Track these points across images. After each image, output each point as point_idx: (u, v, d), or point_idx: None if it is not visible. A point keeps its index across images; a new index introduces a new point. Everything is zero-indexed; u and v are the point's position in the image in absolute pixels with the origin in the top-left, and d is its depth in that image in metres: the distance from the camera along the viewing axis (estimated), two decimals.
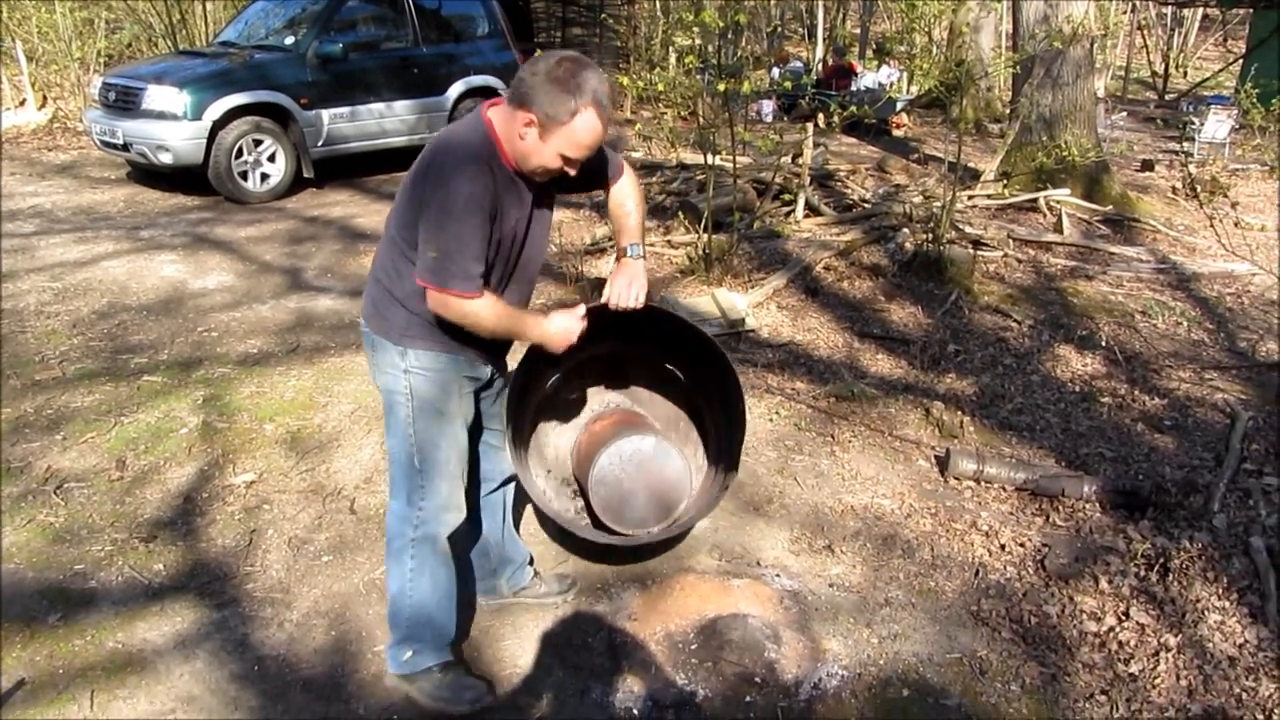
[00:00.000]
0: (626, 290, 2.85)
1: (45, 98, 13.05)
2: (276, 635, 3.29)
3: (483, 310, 2.52)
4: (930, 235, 7.32)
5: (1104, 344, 6.19)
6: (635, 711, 3.00)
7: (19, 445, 4.44)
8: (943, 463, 4.50)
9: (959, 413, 4.98)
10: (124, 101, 8.75)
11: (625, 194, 2.92)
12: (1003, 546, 3.92)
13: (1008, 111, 12.61)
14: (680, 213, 7.89)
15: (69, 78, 12.63)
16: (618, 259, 2.97)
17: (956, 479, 4.41)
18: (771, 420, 4.93)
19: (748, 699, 3.09)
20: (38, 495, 4.05)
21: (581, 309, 2.84)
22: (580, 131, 2.41)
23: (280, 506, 4.02)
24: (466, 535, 3.13)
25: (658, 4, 18.66)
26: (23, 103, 13.12)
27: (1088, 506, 4.21)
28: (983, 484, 4.38)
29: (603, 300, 2.89)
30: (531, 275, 2.85)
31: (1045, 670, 3.25)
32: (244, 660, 3.16)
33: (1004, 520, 4.11)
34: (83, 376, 5.16)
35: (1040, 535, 4.00)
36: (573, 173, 2.55)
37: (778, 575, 3.69)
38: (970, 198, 9.42)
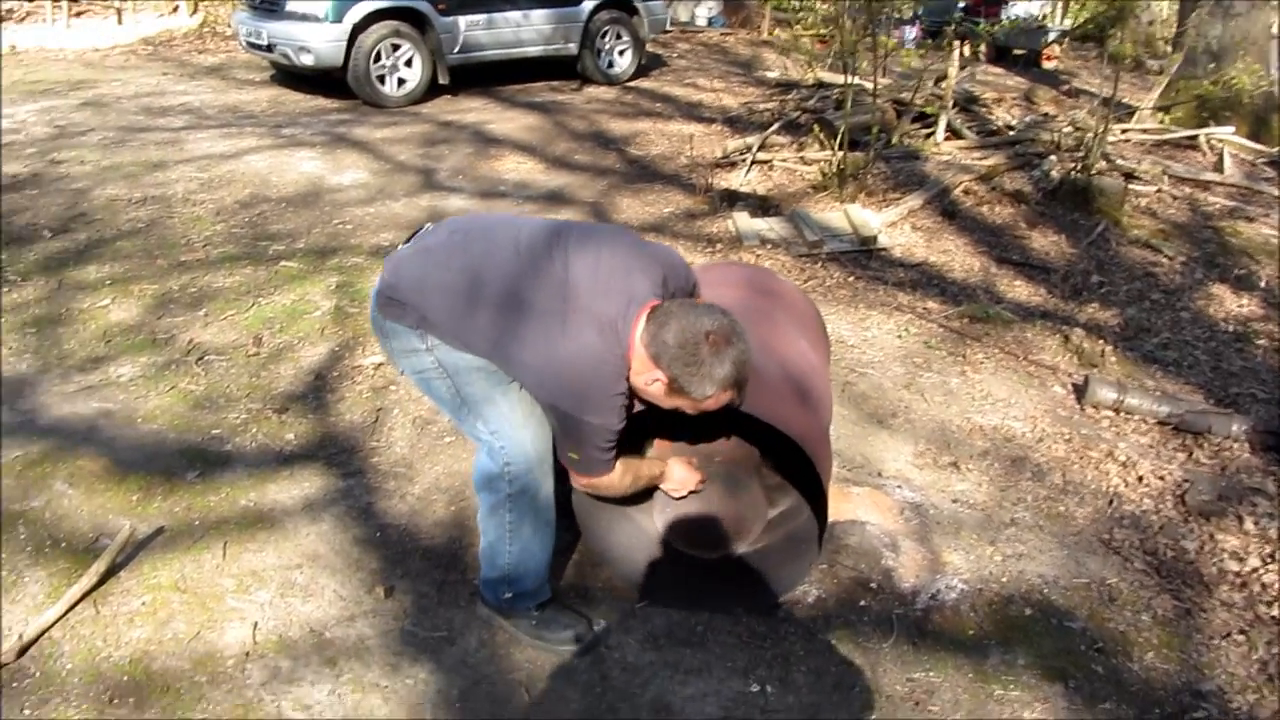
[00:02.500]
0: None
1: (197, 4, 13.43)
2: (398, 506, 3.37)
3: (614, 479, 2.53)
4: (1079, 164, 6.95)
5: (1263, 285, 5.81)
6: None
7: (164, 319, 4.63)
8: (1080, 390, 4.31)
9: (1100, 341, 4.75)
10: (269, 3, 8.93)
11: None
12: (1140, 478, 3.74)
13: (1169, 48, 11.86)
14: (815, 128, 7.67)
15: None
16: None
17: (1094, 408, 4.21)
18: (900, 337, 4.79)
19: (862, 603, 3.04)
20: (180, 365, 4.21)
21: (696, 467, 2.96)
22: (707, 405, 2.32)
23: (406, 388, 4.10)
24: None
25: None
26: (175, 9, 13.55)
27: (1235, 446, 3.97)
28: (1122, 415, 4.17)
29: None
30: None
31: (1179, 604, 3.10)
32: (367, 526, 3.25)
33: (1143, 453, 3.92)
34: (225, 259, 5.33)
35: (1182, 470, 3.80)
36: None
37: (899, 487, 3.60)
38: (1124, 131, 8.90)
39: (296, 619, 2.82)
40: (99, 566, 2.82)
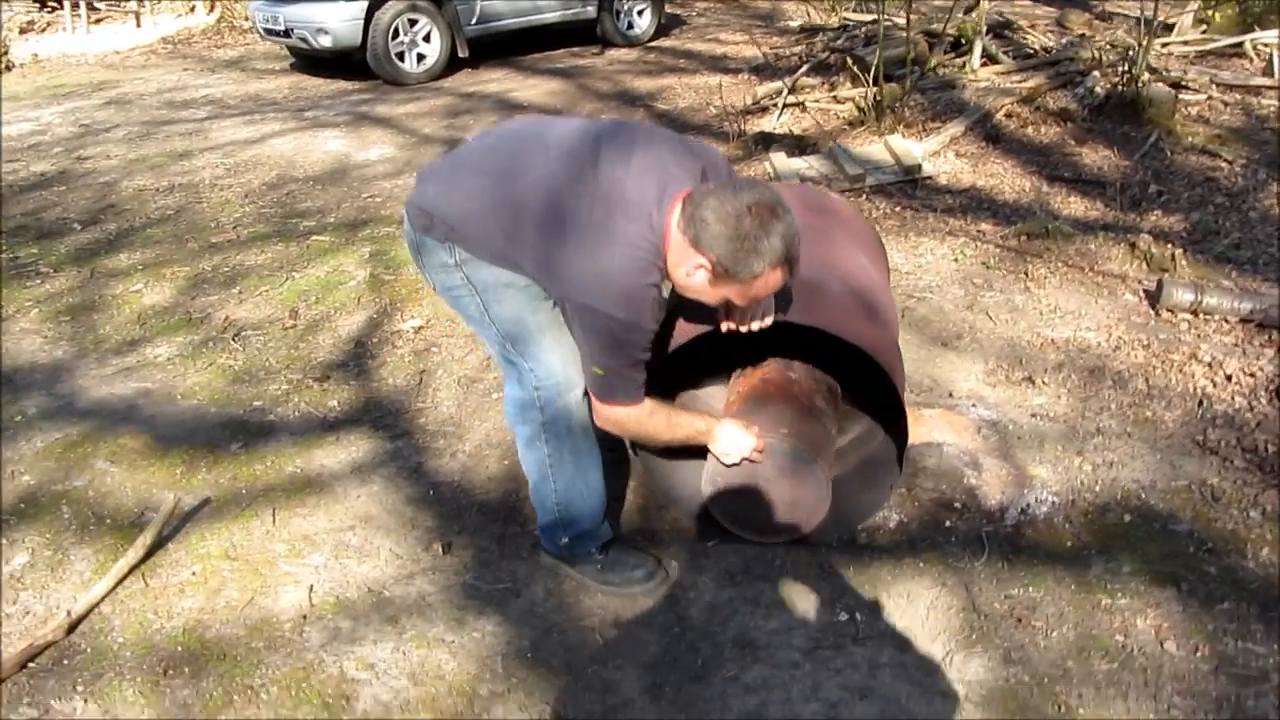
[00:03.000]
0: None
1: (213, 2, 13.38)
2: (449, 464, 3.23)
3: (643, 416, 2.32)
4: (1124, 76, 6.64)
5: None
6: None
7: (198, 299, 4.52)
8: (1153, 295, 4.07)
9: (1168, 246, 4.49)
10: None
11: None
12: (1229, 377, 3.51)
13: None
14: (847, 63, 7.42)
15: None
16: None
17: (1170, 311, 3.97)
18: (956, 260, 4.57)
19: (947, 524, 2.86)
20: (217, 342, 4.11)
21: (753, 432, 2.55)
22: (758, 288, 2.10)
23: (448, 349, 3.96)
24: None
25: None
26: (193, 9, 13.51)
27: None
28: (1201, 316, 3.93)
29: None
30: None
31: None
32: (419, 485, 3.12)
33: (1228, 352, 3.68)
34: (255, 238, 5.22)
35: (1272, 365, 3.56)
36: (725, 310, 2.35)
37: (973, 405, 3.41)
38: (1165, 45, 8.54)
39: (353, 580, 2.69)
40: (145, 539, 2.71)
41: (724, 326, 2.42)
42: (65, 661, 2.42)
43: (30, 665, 2.40)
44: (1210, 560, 2.67)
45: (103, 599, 2.58)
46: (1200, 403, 3.39)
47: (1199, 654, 2.39)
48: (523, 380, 2.39)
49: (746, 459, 2.55)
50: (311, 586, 2.65)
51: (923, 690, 2.31)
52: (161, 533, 2.77)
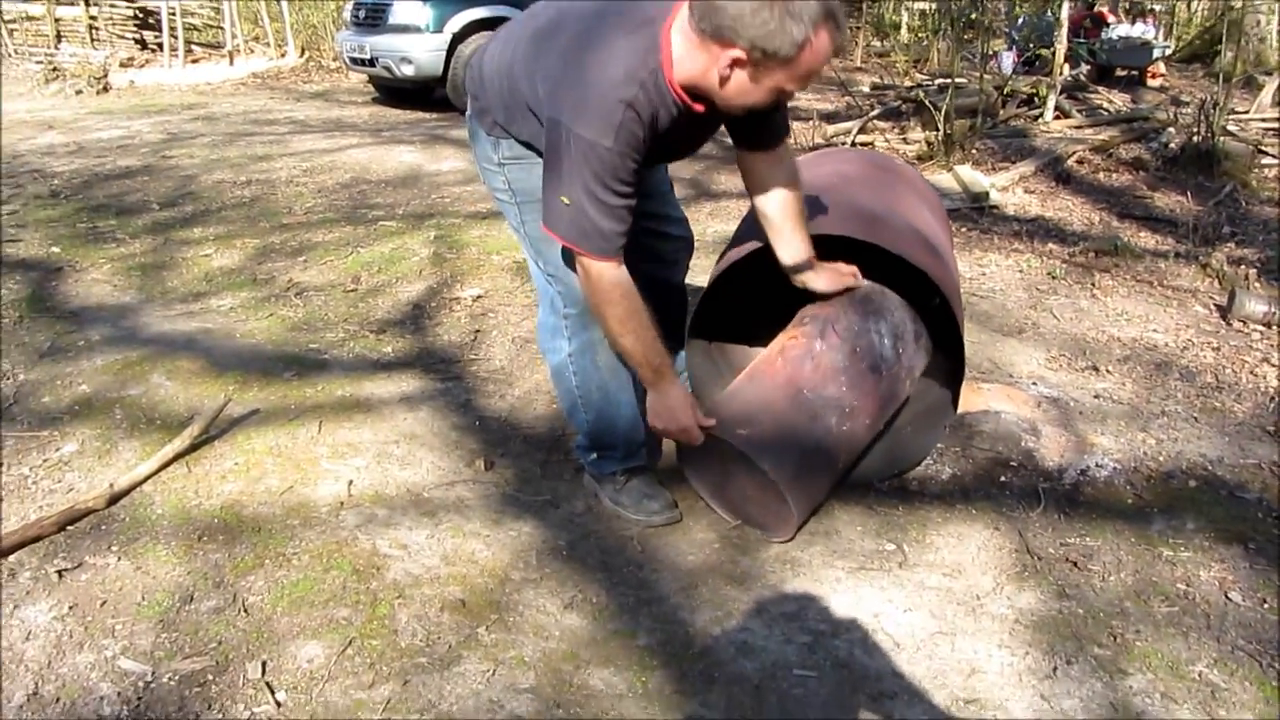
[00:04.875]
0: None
1: (304, 49, 13.90)
2: (498, 404, 3.22)
3: (610, 284, 2.02)
4: (1202, 129, 6.59)
5: None
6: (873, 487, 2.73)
7: (264, 264, 4.61)
8: (1224, 308, 3.97)
9: (1242, 266, 4.40)
10: (372, 18, 9.14)
11: (784, 189, 2.29)
12: None
13: None
14: (918, 110, 7.46)
15: (325, 16, 13.43)
16: (802, 270, 2.41)
17: (1242, 322, 3.87)
18: (1021, 272, 4.51)
19: (1002, 479, 2.77)
20: (280, 299, 4.17)
21: (687, 420, 2.26)
22: (808, 61, 1.78)
23: (504, 315, 3.98)
24: None
25: None
26: (284, 54, 14.04)
27: None
28: (1273, 328, 3.82)
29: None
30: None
31: None
32: (466, 416, 3.10)
33: None
34: (324, 222, 5.33)
35: None
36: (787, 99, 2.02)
37: (1034, 384, 3.32)
38: (1241, 122, 8.48)
39: (393, 481, 2.67)
40: (192, 430, 2.72)
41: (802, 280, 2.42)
42: (103, 527, 2.41)
43: (69, 529, 2.40)
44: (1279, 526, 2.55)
45: (146, 479, 2.59)
46: (1272, 399, 3.27)
47: (1266, 605, 2.26)
48: (553, 304, 2.36)
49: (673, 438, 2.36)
50: (351, 481, 2.63)
51: (969, 610, 2.21)
52: (208, 428, 2.79)
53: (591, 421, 2.50)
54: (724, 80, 1.84)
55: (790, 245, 2.36)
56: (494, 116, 2.18)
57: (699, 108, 1.97)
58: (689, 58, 1.85)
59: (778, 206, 2.32)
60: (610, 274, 2.02)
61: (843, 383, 2.42)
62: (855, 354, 2.45)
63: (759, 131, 2.24)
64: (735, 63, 1.80)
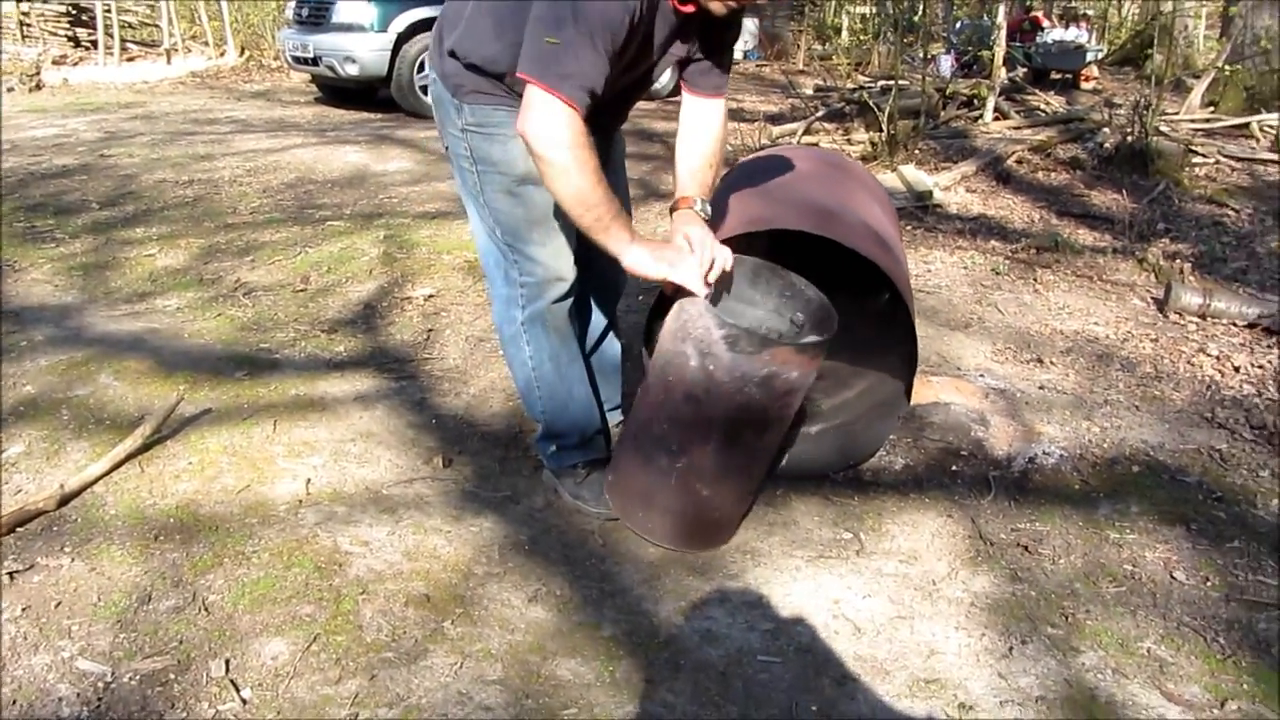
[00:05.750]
0: (718, 247, 2.20)
1: (244, 48, 13.68)
2: (454, 402, 3.21)
3: (575, 130, 1.95)
4: (1135, 129, 6.77)
5: None
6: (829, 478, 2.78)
7: (211, 264, 4.54)
8: (1161, 301, 4.09)
9: (1177, 261, 4.53)
10: (315, 16, 9.03)
11: (714, 130, 2.34)
12: (1237, 369, 3.51)
13: (1210, 58, 11.73)
14: (861, 112, 7.57)
15: (265, 15, 13.25)
16: (677, 208, 2.27)
17: (1178, 314, 3.99)
18: (966, 268, 4.60)
19: (954, 468, 2.83)
20: (228, 299, 4.11)
21: (700, 258, 2.14)
22: None
23: (458, 314, 3.97)
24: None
25: None
26: (223, 53, 13.82)
27: None
28: (1208, 319, 3.94)
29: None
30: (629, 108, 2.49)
31: None
32: (423, 414, 3.09)
33: (1235, 349, 3.69)
34: (271, 222, 5.26)
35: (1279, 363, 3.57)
36: (734, 7, 2.06)
37: (981, 376, 3.40)
38: (1172, 123, 8.73)
39: (351, 479, 2.65)
40: (145, 430, 2.68)
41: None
42: (55, 528, 2.37)
43: (18, 530, 2.35)
44: (1219, 507, 2.64)
45: (97, 479, 2.54)
46: (1209, 387, 3.39)
47: (1209, 583, 2.35)
48: (508, 275, 2.38)
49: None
50: (309, 480, 2.61)
51: (926, 595, 2.26)
52: (160, 428, 2.75)
53: (545, 400, 2.51)
54: None
55: (688, 183, 2.33)
56: (456, 79, 2.20)
57: (686, 8, 2.06)
58: None
59: (694, 147, 2.35)
60: (573, 117, 1.95)
61: (663, 419, 2.26)
62: (669, 384, 2.21)
63: (707, 72, 2.30)
64: None
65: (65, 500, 2.45)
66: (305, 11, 9.18)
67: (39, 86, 10.47)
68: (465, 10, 2.19)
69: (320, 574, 2.21)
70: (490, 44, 2.13)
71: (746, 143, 7.51)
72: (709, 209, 2.29)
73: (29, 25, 12.80)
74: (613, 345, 2.81)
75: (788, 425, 2.34)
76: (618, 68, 2.03)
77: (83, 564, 2.24)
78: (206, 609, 2.11)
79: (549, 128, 1.94)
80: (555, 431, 2.57)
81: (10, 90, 10.18)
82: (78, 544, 2.31)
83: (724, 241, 2.24)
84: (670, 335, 2.21)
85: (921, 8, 12.18)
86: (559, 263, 2.35)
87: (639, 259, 2.10)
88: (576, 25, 1.90)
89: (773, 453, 2.39)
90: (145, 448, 2.70)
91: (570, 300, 2.43)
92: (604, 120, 2.27)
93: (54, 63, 12.28)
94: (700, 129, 2.34)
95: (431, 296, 4.15)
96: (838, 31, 18.96)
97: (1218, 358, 3.59)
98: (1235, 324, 3.90)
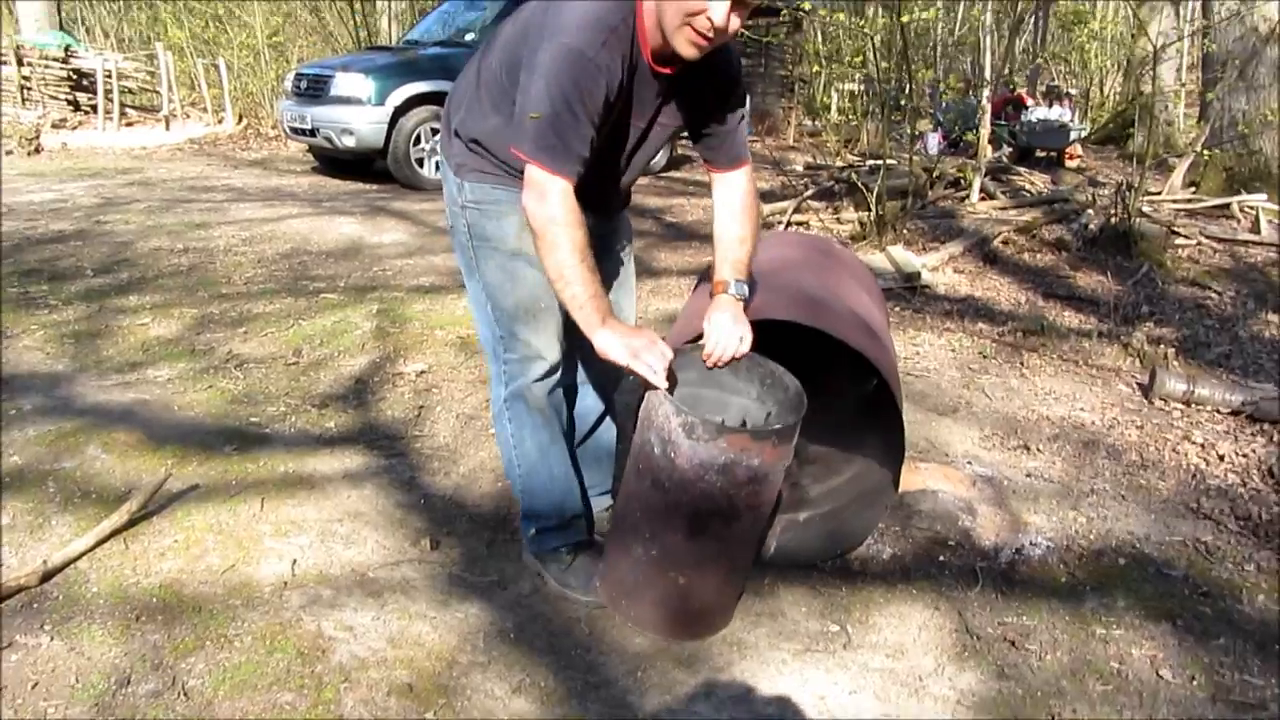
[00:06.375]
0: (731, 334, 2.26)
1: (242, 116, 13.88)
2: (443, 481, 3.21)
3: (562, 200, 2.02)
4: (1119, 210, 6.89)
5: None
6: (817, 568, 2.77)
7: (203, 335, 4.56)
8: (1146, 387, 4.13)
9: (1162, 346, 4.58)
10: (314, 89, 9.18)
11: (740, 205, 2.36)
12: (1221, 457, 3.54)
13: (1190, 138, 11.99)
14: (850, 191, 7.68)
15: (264, 84, 13.42)
16: (713, 294, 2.33)
17: (1163, 400, 4.02)
18: (953, 351, 4.64)
19: (941, 559, 2.83)
20: (219, 370, 4.12)
21: (664, 350, 2.14)
22: None
23: (449, 391, 3.98)
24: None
25: (820, 45, 18.75)
26: (221, 120, 14.01)
27: None
28: (1193, 406, 3.98)
29: (700, 345, 2.30)
30: (624, 181, 2.48)
31: None
32: (411, 494, 3.09)
33: (1220, 437, 3.71)
34: (265, 293, 5.30)
35: (1265, 450, 3.59)
36: (704, 47, 2.02)
37: (969, 463, 3.42)
38: (1154, 203, 8.88)
39: (338, 560, 2.64)
40: (130, 506, 2.67)
41: (711, 353, 2.28)
42: (35, 605, 2.35)
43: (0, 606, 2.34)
44: (1205, 602, 2.64)
45: (80, 555, 2.53)
46: (1194, 476, 3.40)
47: (1195, 683, 2.34)
48: (496, 352, 2.43)
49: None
50: (295, 560, 2.60)
51: (912, 691, 2.25)
52: (147, 504, 2.74)
53: (524, 478, 2.52)
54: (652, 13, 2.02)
55: (721, 266, 2.36)
56: (459, 158, 2.29)
57: (663, 70, 2.12)
58: (648, 15, 2.04)
59: (725, 228, 2.38)
60: (565, 191, 2.03)
61: (636, 509, 2.28)
62: (640, 472, 2.23)
63: (719, 146, 2.34)
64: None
65: (48, 576, 2.43)
66: (304, 84, 9.33)
67: (38, 150, 10.59)
68: (470, 90, 2.29)
69: (303, 660, 2.19)
70: (490, 117, 2.22)
71: None
72: (745, 289, 2.33)
73: (29, 89, 12.97)
74: (608, 431, 2.82)
75: (763, 513, 2.34)
76: (604, 134, 2.09)
77: (62, 643, 2.22)
78: (186, 694, 2.09)
79: (540, 203, 2.03)
80: (535, 511, 2.58)
81: (9, 154, 10.29)
82: (58, 622, 2.29)
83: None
84: (640, 423, 2.25)
85: (908, 87, 12.44)
86: (541, 342, 2.38)
87: (607, 342, 2.12)
88: (554, 96, 1.97)
89: (751, 540, 2.39)
90: (131, 524, 2.69)
91: (553, 381, 2.46)
92: (603, 197, 2.34)
93: (53, 126, 12.43)
94: (727, 206, 2.39)
95: (423, 372, 4.17)
96: (827, 109, 19.31)
97: (1202, 445, 3.62)
98: (1219, 411, 3.93)
